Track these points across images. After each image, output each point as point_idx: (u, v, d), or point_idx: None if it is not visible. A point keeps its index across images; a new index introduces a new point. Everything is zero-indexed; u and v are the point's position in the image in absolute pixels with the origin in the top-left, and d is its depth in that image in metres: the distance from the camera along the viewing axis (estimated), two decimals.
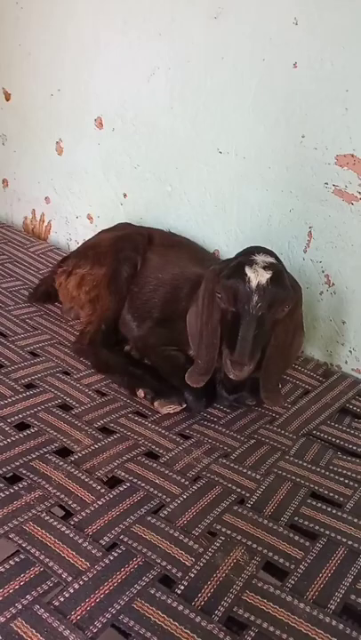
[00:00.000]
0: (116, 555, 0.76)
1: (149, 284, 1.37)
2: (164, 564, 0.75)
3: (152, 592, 0.71)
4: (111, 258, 1.40)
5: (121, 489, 0.89)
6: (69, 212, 1.93)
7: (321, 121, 1.29)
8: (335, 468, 1.01)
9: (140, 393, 1.16)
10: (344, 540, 0.84)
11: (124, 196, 1.74)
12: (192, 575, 0.74)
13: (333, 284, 1.36)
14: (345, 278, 1.34)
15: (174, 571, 0.75)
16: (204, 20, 1.42)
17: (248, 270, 0.99)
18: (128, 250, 1.41)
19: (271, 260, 1.02)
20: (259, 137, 1.40)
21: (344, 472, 1.00)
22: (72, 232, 1.94)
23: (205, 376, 1.06)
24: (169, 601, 0.70)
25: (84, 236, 1.77)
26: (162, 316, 1.31)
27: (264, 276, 0.98)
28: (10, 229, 2.00)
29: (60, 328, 1.40)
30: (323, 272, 1.37)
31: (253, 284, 0.98)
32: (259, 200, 1.44)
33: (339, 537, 0.84)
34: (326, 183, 1.31)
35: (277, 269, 1.01)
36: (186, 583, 0.73)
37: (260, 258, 1.01)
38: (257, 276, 0.98)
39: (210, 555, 0.78)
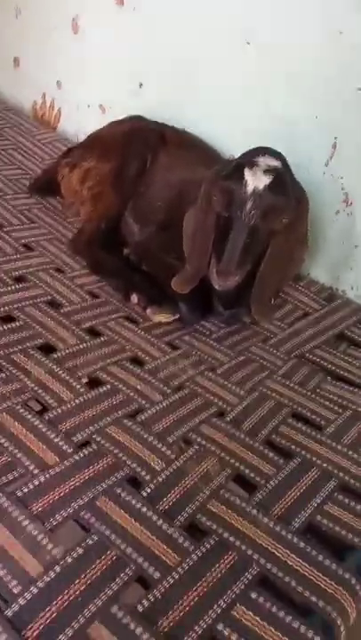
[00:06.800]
0: (86, 452, 0.76)
1: (156, 185, 1.29)
2: (133, 465, 0.75)
3: (118, 491, 0.71)
4: (119, 153, 1.31)
5: (101, 390, 0.88)
6: (81, 100, 1.79)
7: None
8: (322, 392, 0.99)
9: (134, 298, 1.12)
10: (319, 462, 0.83)
11: (140, 85, 1.60)
12: (160, 480, 0.74)
13: (351, 203, 1.26)
14: None
15: (143, 473, 0.75)
16: None
17: (247, 173, 0.91)
18: (138, 145, 1.32)
19: (275, 163, 0.93)
20: (291, 30, 1.25)
21: (331, 396, 0.98)
22: (82, 122, 1.80)
23: (192, 283, 1.02)
24: (133, 502, 0.70)
25: (94, 128, 1.64)
26: (165, 221, 1.24)
27: (262, 181, 0.90)
28: (18, 114, 1.88)
29: (59, 223, 1.34)
30: (342, 190, 1.27)
31: (250, 188, 0.90)
32: (283, 102, 1.31)
33: (314, 458, 0.83)
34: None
35: (280, 175, 0.92)
36: (153, 487, 0.73)
37: (262, 160, 0.92)
38: (255, 181, 0.90)
39: (181, 462, 0.78)
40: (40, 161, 1.59)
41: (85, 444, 0.77)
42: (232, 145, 1.43)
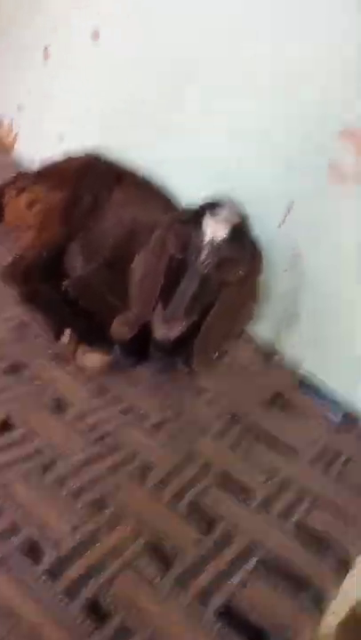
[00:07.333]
0: None
1: (107, 222, 1.24)
2: (33, 530, 0.66)
3: (13, 561, 0.61)
4: (72, 185, 1.26)
5: (11, 435, 0.78)
6: (40, 127, 1.74)
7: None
8: (253, 456, 0.94)
9: (66, 335, 1.04)
10: (243, 534, 0.77)
11: (104, 122, 1.57)
12: (65, 547, 0.65)
13: (298, 264, 1.26)
14: (313, 261, 1.24)
15: (45, 539, 0.65)
16: None
17: (206, 221, 0.88)
18: (90, 181, 1.27)
19: (235, 216, 0.91)
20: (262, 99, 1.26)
21: (261, 462, 0.93)
22: (39, 149, 1.74)
23: (133, 328, 0.97)
24: (28, 574, 0.61)
25: (50, 157, 1.60)
26: (112, 258, 1.18)
27: (221, 231, 0.88)
28: None
29: None
30: (292, 250, 1.27)
31: (207, 237, 0.87)
32: (244, 160, 1.31)
33: (238, 529, 0.77)
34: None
35: (239, 227, 0.90)
36: (55, 555, 0.64)
37: (223, 211, 0.90)
38: (213, 230, 0.87)
39: (93, 527, 0.69)
40: None
41: None
42: (190, 194, 1.41)
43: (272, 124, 1.25)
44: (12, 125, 1.83)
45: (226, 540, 0.75)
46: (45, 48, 1.69)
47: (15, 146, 1.81)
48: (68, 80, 1.65)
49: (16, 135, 1.81)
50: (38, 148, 1.74)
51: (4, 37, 1.83)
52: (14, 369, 0.92)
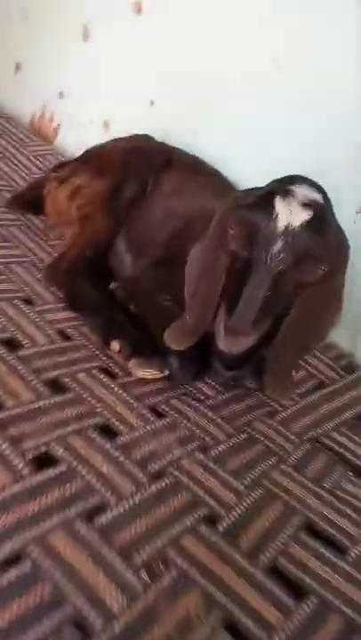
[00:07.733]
0: (12, 577, 0.51)
1: (157, 213, 1.09)
2: (79, 603, 0.51)
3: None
4: (117, 171, 1.12)
5: (50, 473, 0.64)
6: (83, 115, 1.61)
7: None
8: (343, 495, 0.76)
9: (115, 345, 0.89)
10: (340, 605, 0.60)
11: (151, 103, 1.43)
12: (119, 626, 0.50)
13: None
14: None
15: (94, 615, 0.51)
16: None
17: (279, 203, 0.70)
18: (139, 166, 1.13)
19: (316, 196, 0.72)
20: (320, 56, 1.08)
21: (354, 502, 0.75)
22: (83, 139, 1.62)
23: (190, 338, 0.80)
24: None
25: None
26: (164, 255, 1.03)
27: (299, 217, 0.70)
28: (14, 123, 1.69)
29: (38, 246, 1.12)
30: None
31: (281, 223, 0.69)
32: (314, 140, 1.13)
33: (333, 599, 0.60)
34: None
35: (321, 212, 0.72)
36: (107, 637, 0.49)
37: (300, 190, 0.71)
38: (289, 215, 0.69)
39: (151, 595, 0.54)
40: (27, 174, 1.39)
41: (15, 560, 0.53)
42: (250, 182, 1.25)
43: None
44: (53, 115, 1.71)
45: (319, 616, 0.59)
46: (85, 27, 1.57)
47: (57, 135, 1.70)
48: (111, 61, 1.52)
49: (58, 126, 1.70)
50: (82, 136, 1.62)
51: (40, 20, 1.72)
52: (56, 385, 0.78)
